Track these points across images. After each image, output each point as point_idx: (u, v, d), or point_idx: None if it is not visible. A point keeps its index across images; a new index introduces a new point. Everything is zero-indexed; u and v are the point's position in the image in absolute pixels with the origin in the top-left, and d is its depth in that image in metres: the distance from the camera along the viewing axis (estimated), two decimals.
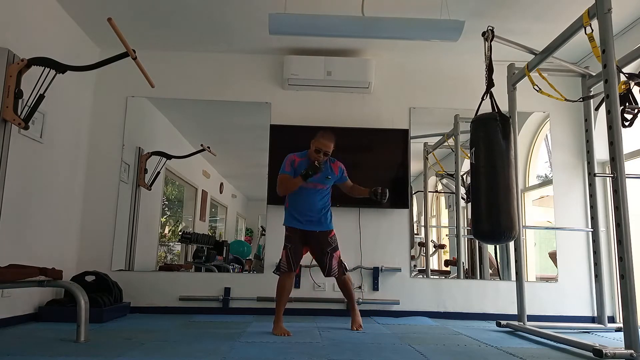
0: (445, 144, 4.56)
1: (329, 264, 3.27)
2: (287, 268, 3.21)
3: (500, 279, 4.36)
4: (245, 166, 4.64)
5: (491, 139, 2.97)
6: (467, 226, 4.47)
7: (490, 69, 3.20)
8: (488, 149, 2.97)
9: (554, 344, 2.93)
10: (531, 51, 3.40)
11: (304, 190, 3.25)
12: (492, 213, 2.90)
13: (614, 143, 2.51)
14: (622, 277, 2.41)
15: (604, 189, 4.23)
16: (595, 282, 3.69)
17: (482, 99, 3.16)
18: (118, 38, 2.72)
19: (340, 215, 4.24)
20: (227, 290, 4.12)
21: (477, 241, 4.46)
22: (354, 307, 3.41)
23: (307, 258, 4.17)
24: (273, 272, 3.36)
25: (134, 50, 2.81)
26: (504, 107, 3.39)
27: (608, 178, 4.10)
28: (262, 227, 4.39)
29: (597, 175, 3.18)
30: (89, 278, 3.73)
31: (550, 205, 4.41)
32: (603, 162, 4.19)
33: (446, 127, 4.52)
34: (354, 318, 3.39)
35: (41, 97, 2.88)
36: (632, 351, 2.34)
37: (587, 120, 3.72)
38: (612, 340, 3.16)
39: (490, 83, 3.18)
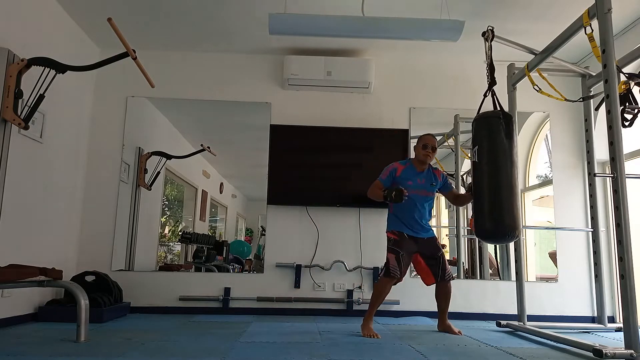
0: (445, 144, 4.56)
1: (442, 268, 3.23)
2: (399, 275, 3.14)
3: (500, 279, 4.36)
4: (245, 166, 4.64)
5: (494, 137, 2.96)
6: (467, 226, 4.47)
7: (491, 68, 3.20)
8: (491, 147, 2.96)
9: (554, 344, 2.93)
10: (531, 51, 3.40)
11: (411, 197, 3.18)
12: (495, 212, 2.89)
13: (614, 143, 2.51)
14: (622, 277, 2.41)
15: (604, 189, 4.23)
16: (595, 282, 3.69)
17: (485, 96, 3.16)
18: (118, 38, 2.72)
19: (340, 215, 4.25)
20: (227, 290, 4.12)
21: (477, 241, 4.46)
22: (446, 314, 3.36)
23: (307, 258, 4.20)
24: (379, 275, 3.27)
25: (134, 50, 2.81)
26: (504, 107, 3.39)
27: (608, 178, 4.10)
28: (262, 227, 4.39)
29: (597, 175, 3.18)
30: (89, 278, 3.73)
31: (550, 205, 4.40)
32: (603, 162, 4.19)
33: (446, 127, 4.52)
34: (449, 325, 3.32)
35: (41, 97, 2.88)
36: (632, 351, 2.34)
37: (587, 120, 3.72)
38: (612, 340, 3.16)
39: (492, 81, 3.18)
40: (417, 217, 3.25)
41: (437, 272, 3.24)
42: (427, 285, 3.32)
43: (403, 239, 3.21)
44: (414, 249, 3.24)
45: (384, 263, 3.21)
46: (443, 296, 3.32)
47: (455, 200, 3.48)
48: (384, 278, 3.17)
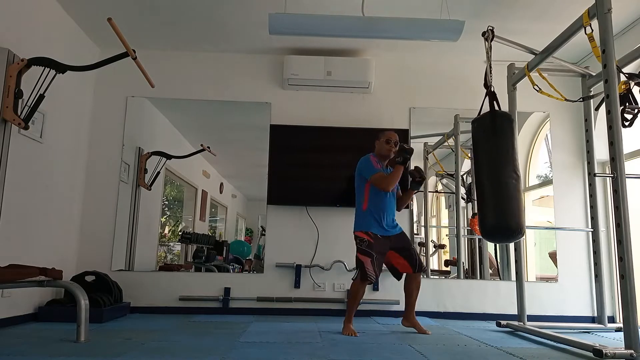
0: (445, 144, 4.56)
1: (417, 258, 3.26)
2: (374, 279, 3.13)
3: (500, 279, 4.36)
4: (245, 166, 4.64)
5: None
6: (467, 226, 4.47)
7: (488, 70, 3.19)
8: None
9: (554, 344, 2.93)
10: (531, 51, 3.40)
11: (385, 192, 3.24)
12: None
13: (614, 143, 2.51)
14: (622, 277, 2.41)
15: (604, 189, 4.23)
16: (595, 282, 3.68)
17: (490, 97, 3.16)
18: (118, 38, 2.72)
19: (340, 215, 4.25)
20: (227, 290, 4.12)
21: (477, 241, 4.46)
22: (414, 307, 3.36)
23: (307, 258, 4.20)
24: (352, 278, 3.28)
25: (134, 50, 2.81)
26: (504, 107, 3.38)
27: (608, 178, 4.10)
28: (262, 227, 4.39)
29: (597, 175, 3.18)
30: (89, 278, 3.73)
31: (550, 205, 4.40)
32: (603, 162, 4.19)
33: (446, 127, 4.52)
34: (418, 322, 3.34)
35: (41, 97, 2.88)
36: (632, 351, 2.34)
37: (587, 120, 3.72)
38: (612, 340, 3.16)
39: (486, 84, 3.17)
40: (389, 212, 3.28)
41: (413, 262, 3.24)
42: (404, 275, 3.31)
43: (376, 240, 3.19)
44: (386, 248, 3.23)
45: (357, 265, 3.19)
46: (416, 288, 3.31)
47: (399, 200, 3.44)
48: (360, 282, 3.16)
